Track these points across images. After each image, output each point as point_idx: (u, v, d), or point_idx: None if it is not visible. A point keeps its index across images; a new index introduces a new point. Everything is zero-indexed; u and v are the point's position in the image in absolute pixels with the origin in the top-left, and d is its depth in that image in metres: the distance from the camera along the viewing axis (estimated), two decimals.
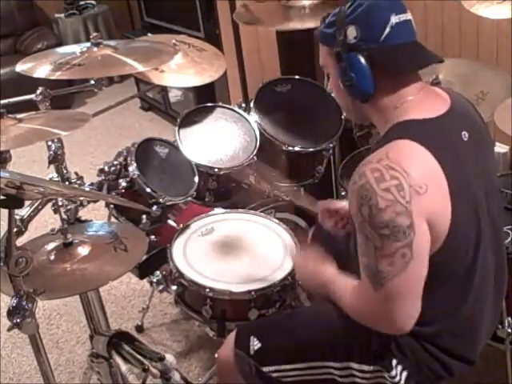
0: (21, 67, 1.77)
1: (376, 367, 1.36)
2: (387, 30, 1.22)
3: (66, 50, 1.93)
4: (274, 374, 1.45)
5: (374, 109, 1.32)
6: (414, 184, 1.15)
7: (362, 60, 1.25)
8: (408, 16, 1.26)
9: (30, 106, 1.80)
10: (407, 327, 1.24)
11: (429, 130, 1.23)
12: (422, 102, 1.27)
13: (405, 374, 1.34)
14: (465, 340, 1.36)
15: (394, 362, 1.34)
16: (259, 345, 1.47)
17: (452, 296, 1.31)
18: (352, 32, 1.24)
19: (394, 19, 1.23)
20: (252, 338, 1.48)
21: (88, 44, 1.85)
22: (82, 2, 5.31)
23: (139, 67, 1.75)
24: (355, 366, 1.38)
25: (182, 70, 2.13)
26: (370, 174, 1.17)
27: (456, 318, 1.33)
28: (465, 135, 1.28)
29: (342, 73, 1.29)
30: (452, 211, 1.20)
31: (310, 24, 2.16)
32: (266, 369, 1.46)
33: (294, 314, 1.65)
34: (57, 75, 1.70)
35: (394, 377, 1.34)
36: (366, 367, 1.37)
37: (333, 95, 1.43)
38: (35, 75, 1.71)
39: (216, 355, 1.63)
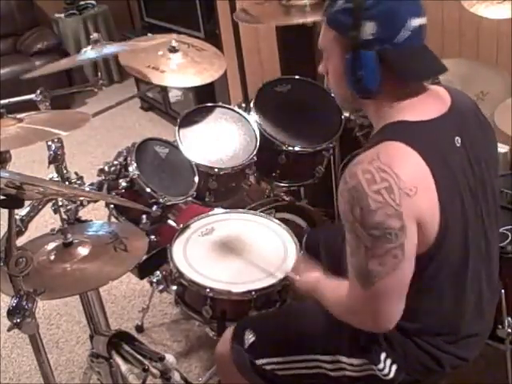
0: None
1: (364, 360, 1.38)
2: (403, 32, 1.19)
3: None
4: (268, 367, 1.48)
5: (372, 104, 1.31)
6: (404, 187, 1.15)
7: (375, 60, 1.21)
8: (423, 20, 1.23)
9: (30, 106, 1.80)
10: (390, 326, 1.26)
11: (420, 132, 1.23)
12: (419, 103, 1.26)
13: (394, 366, 1.36)
14: (452, 339, 1.37)
15: (383, 355, 1.36)
16: (253, 338, 1.51)
17: (440, 296, 1.32)
18: (370, 28, 1.20)
19: (412, 23, 1.20)
20: (247, 331, 1.52)
21: None
22: (82, 2, 5.32)
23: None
24: (344, 359, 1.40)
25: (181, 69, 2.13)
26: (362, 175, 1.17)
27: (442, 317, 1.34)
28: (457, 141, 1.27)
29: (350, 68, 1.25)
30: (440, 214, 1.20)
31: (311, 18, 2.17)
32: (259, 361, 1.49)
33: (287, 309, 1.72)
34: None
35: (382, 369, 1.36)
36: (354, 361, 1.39)
37: (329, 83, 1.37)
38: None
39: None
